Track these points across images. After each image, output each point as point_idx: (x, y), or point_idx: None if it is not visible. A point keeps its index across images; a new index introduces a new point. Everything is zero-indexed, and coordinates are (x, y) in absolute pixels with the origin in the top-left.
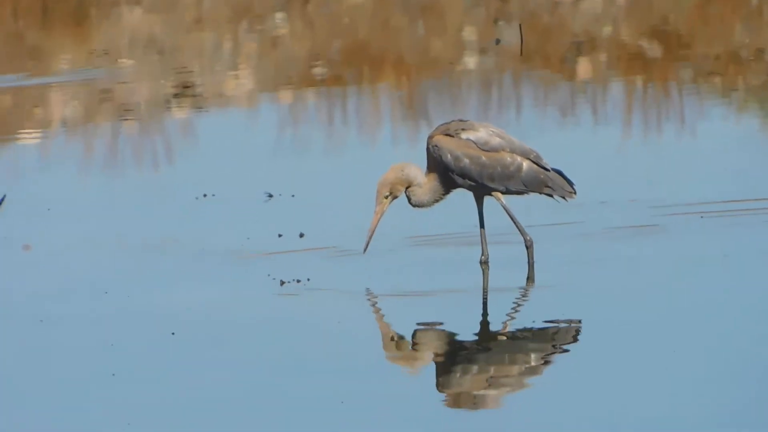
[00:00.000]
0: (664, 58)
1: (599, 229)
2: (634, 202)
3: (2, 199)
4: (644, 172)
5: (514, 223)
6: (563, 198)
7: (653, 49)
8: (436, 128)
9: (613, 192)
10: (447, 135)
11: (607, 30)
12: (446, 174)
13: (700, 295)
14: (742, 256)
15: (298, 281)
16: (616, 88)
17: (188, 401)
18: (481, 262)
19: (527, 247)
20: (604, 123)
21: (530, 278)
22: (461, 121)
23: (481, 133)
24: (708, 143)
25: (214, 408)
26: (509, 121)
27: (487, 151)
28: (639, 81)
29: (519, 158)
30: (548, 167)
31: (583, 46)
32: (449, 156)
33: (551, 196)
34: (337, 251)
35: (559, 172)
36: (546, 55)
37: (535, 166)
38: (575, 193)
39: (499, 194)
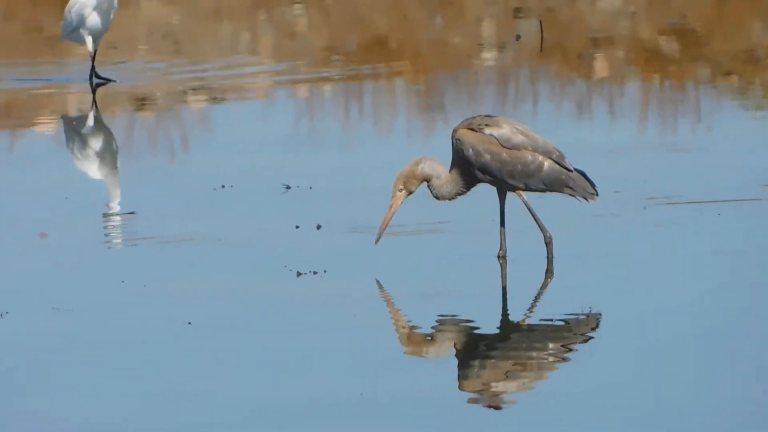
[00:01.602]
0: (681, 56)
1: (617, 223)
2: (651, 199)
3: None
4: (660, 169)
5: (535, 219)
6: (585, 199)
7: (671, 47)
8: (461, 122)
9: (628, 186)
10: (470, 129)
11: (625, 27)
12: (467, 168)
13: (718, 289)
14: (759, 252)
15: (315, 273)
16: (633, 85)
17: (203, 391)
18: (498, 257)
19: (546, 244)
20: (621, 119)
21: (549, 271)
22: (487, 116)
23: (505, 130)
24: (724, 141)
25: (228, 399)
26: (525, 117)
27: (508, 148)
28: (656, 78)
29: (540, 157)
30: (571, 167)
31: (602, 42)
32: (471, 150)
33: (573, 196)
34: (354, 243)
35: (582, 173)
36: (565, 52)
37: (556, 165)
38: (597, 194)
39: (521, 191)
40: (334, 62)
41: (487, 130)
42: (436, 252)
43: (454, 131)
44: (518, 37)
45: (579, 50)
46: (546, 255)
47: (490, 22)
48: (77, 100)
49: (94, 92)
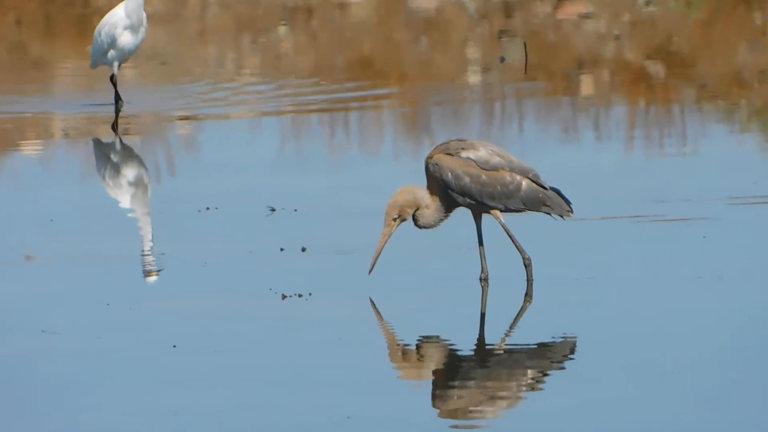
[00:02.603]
0: (667, 78)
1: (599, 245)
2: (638, 218)
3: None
4: (645, 190)
5: (513, 241)
6: (560, 216)
7: (656, 69)
8: (435, 148)
9: (614, 208)
10: (447, 154)
11: (610, 49)
12: (446, 193)
13: (696, 313)
14: (741, 274)
15: (300, 295)
16: (619, 107)
17: (188, 414)
18: (480, 279)
19: (525, 266)
20: (606, 140)
21: (529, 295)
22: (460, 140)
23: (481, 152)
24: (709, 162)
25: (212, 420)
26: (512, 138)
27: (487, 170)
28: (642, 100)
29: (518, 177)
30: (546, 186)
31: (587, 64)
32: (450, 174)
33: (549, 214)
34: (339, 266)
35: (557, 191)
36: (550, 74)
37: (534, 184)
38: (572, 211)
39: (497, 212)
40: (319, 84)
41: (464, 153)
42: (417, 273)
43: (429, 157)
44: (503, 59)
45: (563, 72)
46: (525, 277)
47: (476, 44)
48: (59, 125)
49: (117, 114)
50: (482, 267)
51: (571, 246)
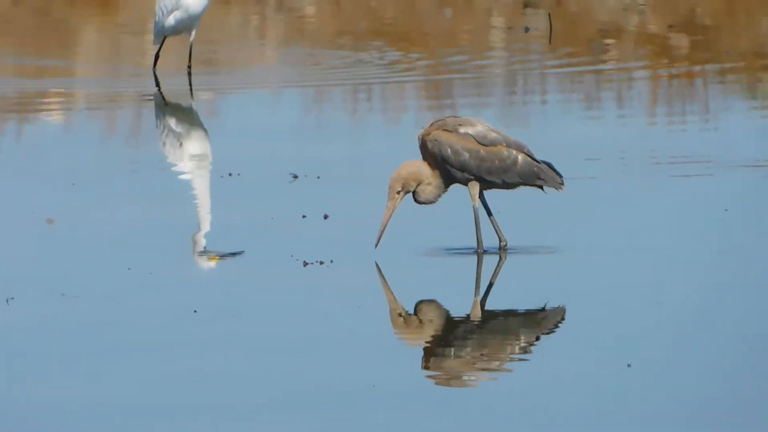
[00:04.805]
0: (690, 50)
1: (603, 213)
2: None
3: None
4: (666, 164)
5: (476, 228)
6: (554, 189)
7: (679, 41)
8: (431, 124)
9: (628, 177)
10: (445, 130)
11: (634, 21)
12: (445, 168)
13: (695, 283)
14: (742, 251)
15: (321, 263)
16: (642, 79)
17: (206, 380)
18: (500, 248)
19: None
20: (629, 112)
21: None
22: (454, 117)
23: (479, 128)
24: (731, 134)
25: (234, 384)
26: (535, 110)
27: (485, 145)
28: (664, 72)
29: (515, 151)
30: (539, 160)
31: (610, 35)
32: (449, 150)
33: (541, 188)
34: (360, 234)
35: (549, 165)
36: (574, 44)
37: (528, 158)
38: (564, 184)
39: (475, 192)
40: (342, 51)
41: (462, 129)
42: (428, 243)
43: (426, 134)
44: (527, 29)
45: (587, 42)
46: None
47: (499, 13)
48: (82, 94)
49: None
50: (498, 236)
51: (582, 212)
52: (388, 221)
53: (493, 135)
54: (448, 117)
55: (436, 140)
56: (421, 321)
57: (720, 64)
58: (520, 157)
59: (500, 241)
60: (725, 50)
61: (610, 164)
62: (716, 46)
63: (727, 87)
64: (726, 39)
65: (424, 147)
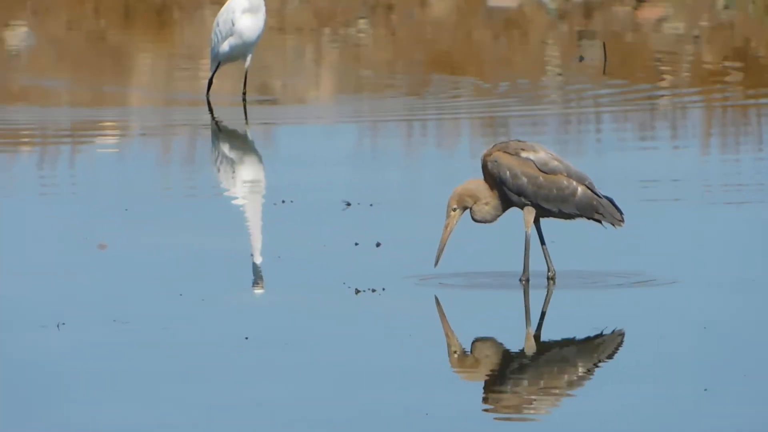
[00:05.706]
0: (744, 81)
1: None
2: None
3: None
4: (719, 194)
5: (525, 254)
6: (611, 225)
7: (734, 72)
8: (494, 146)
9: (685, 212)
10: (506, 153)
11: (688, 50)
12: (503, 191)
13: (747, 311)
14: None
15: (374, 290)
16: (696, 109)
17: (256, 408)
18: (547, 278)
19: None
20: (683, 143)
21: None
22: (519, 141)
23: (541, 155)
24: None
25: (284, 413)
26: (589, 139)
27: (545, 172)
28: (718, 102)
29: (575, 183)
30: (600, 194)
31: (665, 66)
32: (508, 173)
33: (600, 222)
34: (413, 261)
35: (611, 200)
36: (628, 74)
37: (588, 191)
38: (623, 221)
39: (529, 219)
40: (397, 79)
41: (524, 154)
42: (488, 272)
43: (488, 154)
44: (581, 59)
45: (642, 73)
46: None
47: (555, 43)
48: (137, 122)
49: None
50: (548, 266)
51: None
52: (446, 239)
53: (555, 164)
54: (512, 141)
55: (496, 161)
56: (476, 358)
57: None
58: (580, 188)
59: (548, 270)
60: None
61: (664, 192)
62: None
63: None
64: None
65: (484, 167)
